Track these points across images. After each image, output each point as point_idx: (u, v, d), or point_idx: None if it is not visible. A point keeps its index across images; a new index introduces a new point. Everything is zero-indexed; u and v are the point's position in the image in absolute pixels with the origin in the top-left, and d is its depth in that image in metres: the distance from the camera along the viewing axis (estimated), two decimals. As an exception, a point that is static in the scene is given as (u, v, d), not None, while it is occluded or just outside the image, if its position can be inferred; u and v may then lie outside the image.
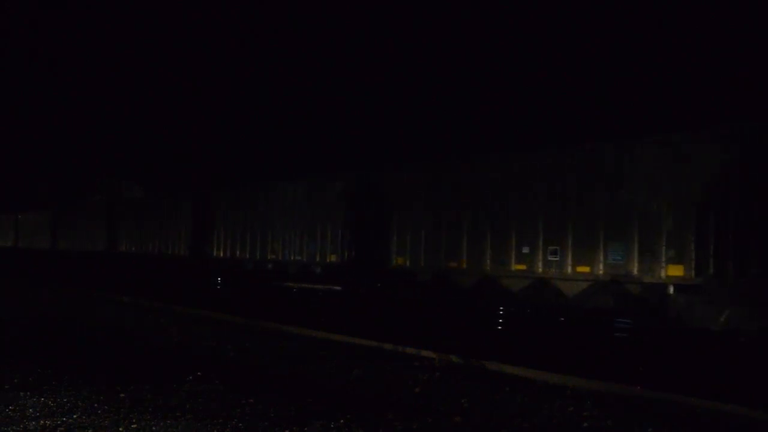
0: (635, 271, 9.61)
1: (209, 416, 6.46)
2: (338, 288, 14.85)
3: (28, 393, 7.17)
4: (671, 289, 9.29)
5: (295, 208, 16.36)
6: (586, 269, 10.17)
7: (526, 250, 10.93)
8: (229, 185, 21.03)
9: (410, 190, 13.25)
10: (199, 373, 8.35)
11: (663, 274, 9.35)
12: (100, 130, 58.50)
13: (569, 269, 10.35)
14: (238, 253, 18.45)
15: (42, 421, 6.15)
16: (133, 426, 6.08)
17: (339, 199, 15.09)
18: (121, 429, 6.00)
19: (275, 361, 9.73)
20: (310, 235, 15.75)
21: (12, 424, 6.06)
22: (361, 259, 14.29)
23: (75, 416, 6.34)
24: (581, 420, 6.75)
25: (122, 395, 7.19)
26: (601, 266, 9.97)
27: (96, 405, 6.76)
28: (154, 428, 6.05)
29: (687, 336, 9.12)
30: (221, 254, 19.20)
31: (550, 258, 10.59)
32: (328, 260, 15.14)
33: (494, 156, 11.98)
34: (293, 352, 10.58)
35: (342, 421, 6.39)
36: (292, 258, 16.24)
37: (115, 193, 33.74)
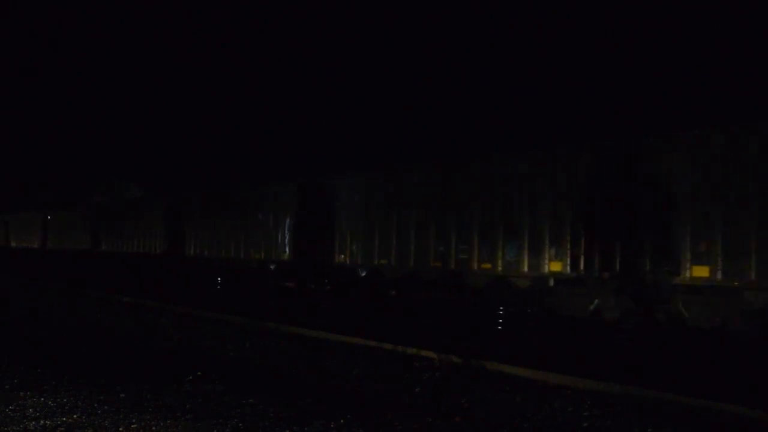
0: (525, 267, 11.20)
1: (209, 416, 6.46)
2: (290, 284, 16.90)
3: (28, 393, 7.17)
4: (551, 281, 10.85)
5: (259, 212, 18.00)
6: (488, 266, 11.78)
7: (441, 248, 12.59)
8: (197, 191, 23.11)
9: (350, 195, 15.03)
10: (199, 373, 8.35)
11: (546, 269, 10.87)
12: (100, 130, 58.51)
13: (475, 265, 11.89)
14: (204, 251, 20.33)
15: (42, 421, 6.15)
16: (133, 426, 6.08)
17: (291, 202, 16.77)
18: (121, 429, 6.00)
19: (275, 361, 9.74)
20: (268, 235, 17.45)
21: (12, 424, 6.06)
22: (309, 257, 16.06)
23: (75, 416, 6.34)
24: (581, 420, 6.75)
25: (122, 395, 7.19)
26: (500, 263, 11.55)
27: (96, 405, 6.76)
28: (154, 428, 6.05)
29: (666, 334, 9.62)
30: (192, 253, 21.01)
31: (461, 256, 12.16)
32: (282, 258, 16.88)
33: (417, 165, 14.22)
34: (293, 352, 10.59)
35: (342, 421, 6.39)
36: (254, 256, 17.95)
37: (99, 199, 35.23)
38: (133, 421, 6.22)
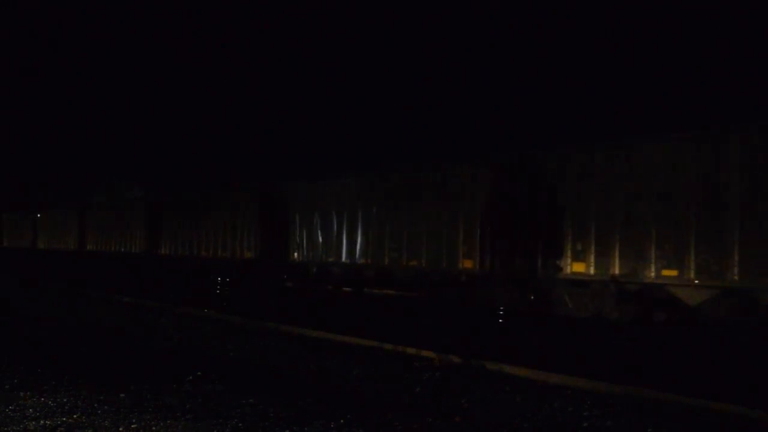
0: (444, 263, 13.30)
1: (209, 416, 6.46)
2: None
3: (28, 393, 7.17)
4: (463, 277, 12.92)
5: (224, 213, 19.96)
6: (414, 263, 14.00)
7: (375, 247, 14.88)
8: (174, 193, 24.61)
9: (305, 198, 16.98)
10: (199, 373, 8.35)
11: (460, 266, 12.95)
12: (100, 131, 58.50)
13: (404, 262, 14.17)
14: (179, 250, 21.98)
15: (42, 421, 6.15)
16: (133, 426, 6.08)
17: (252, 204, 18.76)
18: (121, 429, 6.00)
19: (275, 361, 9.74)
20: (233, 235, 19.44)
21: (12, 424, 6.06)
22: (268, 255, 18.14)
23: (75, 416, 6.35)
24: (581, 420, 6.75)
25: (122, 395, 7.19)
26: (423, 260, 13.74)
27: (96, 405, 6.76)
28: (154, 428, 6.05)
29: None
30: (167, 252, 22.64)
31: (392, 254, 14.43)
32: (245, 256, 18.85)
33: (357, 173, 15.99)
34: (293, 351, 10.59)
35: (342, 421, 6.39)
36: (220, 254, 20.00)
37: (98, 199, 36.08)
38: (133, 421, 6.22)
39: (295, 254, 17.11)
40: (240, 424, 6.20)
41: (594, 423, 6.66)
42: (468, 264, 12.78)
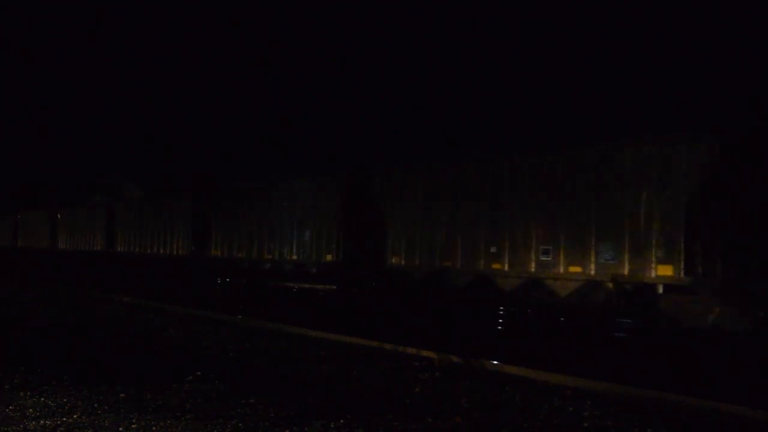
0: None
1: (209, 416, 6.46)
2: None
3: (28, 393, 7.17)
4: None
5: (298, 203, 16.74)
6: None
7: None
8: (225, 185, 22.79)
9: (405, 187, 13.62)
10: (198, 373, 8.36)
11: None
12: (100, 131, 58.50)
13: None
14: (235, 252, 19.40)
15: (42, 421, 6.15)
16: (133, 426, 6.08)
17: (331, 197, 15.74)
18: (121, 429, 6.00)
19: (275, 361, 9.74)
20: (301, 233, 16.67)
21: (12, 424, 6.06)
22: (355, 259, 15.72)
23: (75, 416, 6.35)
24: (581, 420, 6.76)
25: (122, 395, 7.19)
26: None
27: (96, 405, 6.76)
28: (154, 428, 6.05)
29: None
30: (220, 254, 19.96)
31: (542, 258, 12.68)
32: (325, 259, 15.61)
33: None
34: (293, 352, 10.59)
35: (342, 421, 6.39)
36: (290, 257, 16.64)
37: (97, 199, 37.32)
38: (133, 421, 6.22)
39: (394, 258, 13.36)
40: (240, 424, 6.20)
41: (594, 423, 6.66)
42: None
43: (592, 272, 9.89)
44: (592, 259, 9.92)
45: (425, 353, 10.32)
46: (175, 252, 21.37)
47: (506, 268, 11.09)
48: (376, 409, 6.90)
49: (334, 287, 14.95)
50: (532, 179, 10.89)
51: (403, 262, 13.18)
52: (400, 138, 30.95)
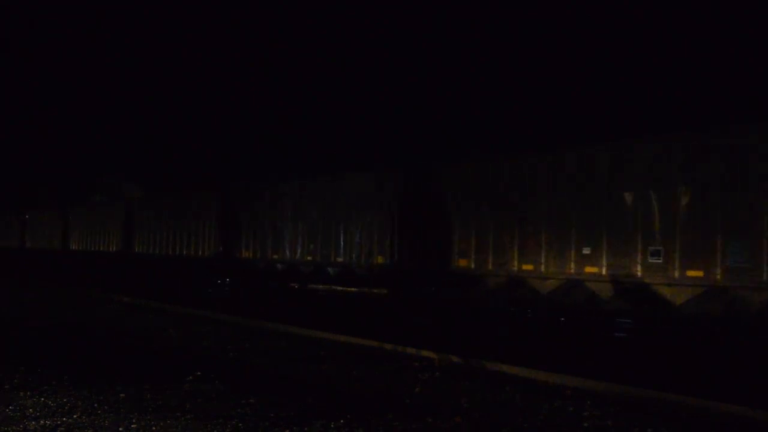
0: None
1: (209, 416, 6.46)
2: None
3: (28, 393, 7.17)
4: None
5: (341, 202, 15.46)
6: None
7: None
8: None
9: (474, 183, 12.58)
10: (198, 373, 8.35)
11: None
12: (100, 131, 58.44)
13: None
14: (269, 253, 17.45)
15: (42, 421, 6.15)
16: (133, 426, 6.08)
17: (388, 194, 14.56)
18: (121, 429, 6.00)
19: (275, 361, 9.73)
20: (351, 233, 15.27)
21: (12, 424, 6.06)
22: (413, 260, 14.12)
23: (75, 416, 6.34)
24: (581, 420, 6.75)
25: (122, 395, 7.19)
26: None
27: (96, 405, 6.76)
28: (154, 428, 6.05)
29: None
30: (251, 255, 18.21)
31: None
32: (377, 262, 14.35)
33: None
34: (293, 352, 10.58)
35: (342, 421, 6.39)
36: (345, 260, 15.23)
37: (97, 199, 38.19)
38: (133, 421, 6.22)
39: (460, 261, 12.15)
40: (240, 424, 6.20)
41: (594, 423, 6.66)
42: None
43: (718, 276, 8.69)
44: (718, 263, 8.69)
45: (425, 353, 10.31)
46: (200, 253, 19.73)
47: (603, 272, 9.72)
48: (376, 409, 6.90)
49: (386, 291, 13.96)
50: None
51: (472, 266, 11.89)
52: (400, 138, 30.91)
